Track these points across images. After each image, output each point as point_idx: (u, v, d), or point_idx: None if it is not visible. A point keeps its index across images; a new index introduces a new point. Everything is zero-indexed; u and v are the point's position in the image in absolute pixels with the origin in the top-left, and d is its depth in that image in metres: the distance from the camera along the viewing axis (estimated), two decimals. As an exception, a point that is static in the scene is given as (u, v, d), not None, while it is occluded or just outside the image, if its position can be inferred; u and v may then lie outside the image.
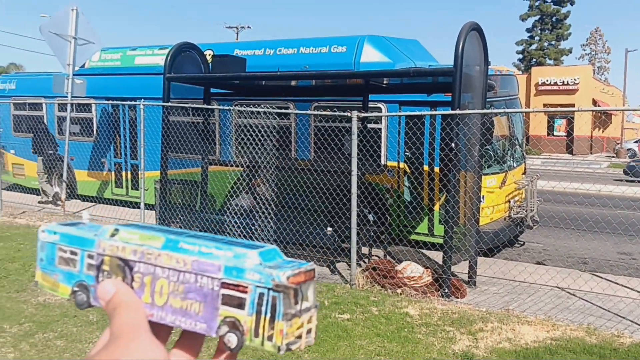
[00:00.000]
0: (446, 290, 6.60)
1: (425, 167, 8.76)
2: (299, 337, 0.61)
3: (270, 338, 0.60)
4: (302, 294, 0.62)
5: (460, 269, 7.37)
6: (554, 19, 49.54)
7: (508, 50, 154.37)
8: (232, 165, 9.92)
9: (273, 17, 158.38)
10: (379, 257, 8.24)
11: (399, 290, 6.71)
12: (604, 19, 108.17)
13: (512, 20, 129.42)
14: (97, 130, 12.43)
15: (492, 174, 8.70)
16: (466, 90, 6.68)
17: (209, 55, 9.83)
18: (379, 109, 8.99)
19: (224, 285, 0.62)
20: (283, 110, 8.87)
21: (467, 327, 5.55)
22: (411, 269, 7.06)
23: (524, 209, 9.12)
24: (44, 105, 12.89)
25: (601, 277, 7.52)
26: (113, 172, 12.32)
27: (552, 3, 48.81)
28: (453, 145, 6.46)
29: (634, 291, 6.93)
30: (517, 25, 78.07)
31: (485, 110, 7.04)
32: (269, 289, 0.60)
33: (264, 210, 8.13)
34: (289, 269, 0.61)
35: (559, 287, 7.00)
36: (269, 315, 0.60)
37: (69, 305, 5.66)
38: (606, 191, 10.65)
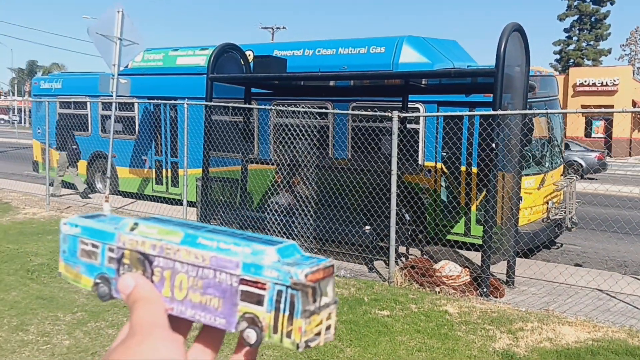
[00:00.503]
0: (485, 290, 6.63)
1: (463, 168, 8.77)
2: (318, 334, 0.61)
3: (289, 335, 0.59)
4: (320, 291, 0.61)
5: (498, 269, 7.37)
6: (592, 19, 48.49)
7: (545, 51, 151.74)
8: (271, 164, 10.09)
9: (309, 18, 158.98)
10: (416, 256, 8.30)
11: (437, 289, 6.77)
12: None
13: (549, 20, 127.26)
14: (139, 129, 12.76)
15: (531, 174, 8.67)
16: (507, 90, 6.70)
17: (250, 55, 10.02)
18: (416, 109, 9.03)
19: (243, 281, 0.62)
20: (323, 110, 8.96)
21: (507, 326, 5.59)
22: (449, 268, 7.12)
23: (562, 211, 9.05)
24: (88, 104, 13.29)
25: (643, 280, 7.45)
26: (154, 170, 12.63)
27: (591, 2, 47.76)
28: (494, 145, 6.49)
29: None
30: (555, 25, 76.73)
31: (526, 111, 7.04)
32: (287, 286, 0.59)
33: (303, 209, 8.26)
34: (307, 266, 0.60)
35: (599, 289, 6.95)
36: (287, 312, 0.59)
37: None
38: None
